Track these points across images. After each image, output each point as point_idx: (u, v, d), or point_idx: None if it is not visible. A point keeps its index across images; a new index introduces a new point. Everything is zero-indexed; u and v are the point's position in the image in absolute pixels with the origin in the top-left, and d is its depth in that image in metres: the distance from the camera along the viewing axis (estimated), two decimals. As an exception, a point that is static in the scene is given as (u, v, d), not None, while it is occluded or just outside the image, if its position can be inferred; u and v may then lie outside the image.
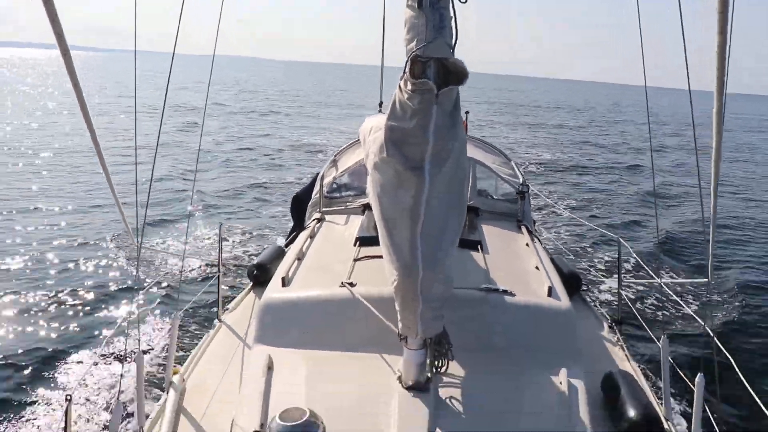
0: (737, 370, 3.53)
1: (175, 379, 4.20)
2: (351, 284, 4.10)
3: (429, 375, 3.42)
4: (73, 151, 24.21)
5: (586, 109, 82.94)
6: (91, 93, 50.36)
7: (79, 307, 9.53)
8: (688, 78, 3.10)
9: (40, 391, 7.14)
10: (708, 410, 3.60)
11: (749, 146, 43.39)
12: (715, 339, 3.65)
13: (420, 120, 2.95)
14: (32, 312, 9.34)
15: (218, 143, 28.48)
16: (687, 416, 3.63)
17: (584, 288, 6.11)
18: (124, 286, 10.21)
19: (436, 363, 3.43)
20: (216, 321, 5.36)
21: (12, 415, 6.56)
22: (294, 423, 3.04)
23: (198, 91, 55.41)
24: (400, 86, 3.03)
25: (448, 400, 3.36)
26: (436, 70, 2.96)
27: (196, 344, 4.95)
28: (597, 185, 23.32)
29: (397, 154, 3.04)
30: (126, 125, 30.90)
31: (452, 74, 2.97)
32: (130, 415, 5.55)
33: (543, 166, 26.85)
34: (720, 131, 2.80)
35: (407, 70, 2.99)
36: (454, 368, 3.58)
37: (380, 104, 8.81)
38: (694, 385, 3.60)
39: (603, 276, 9.66)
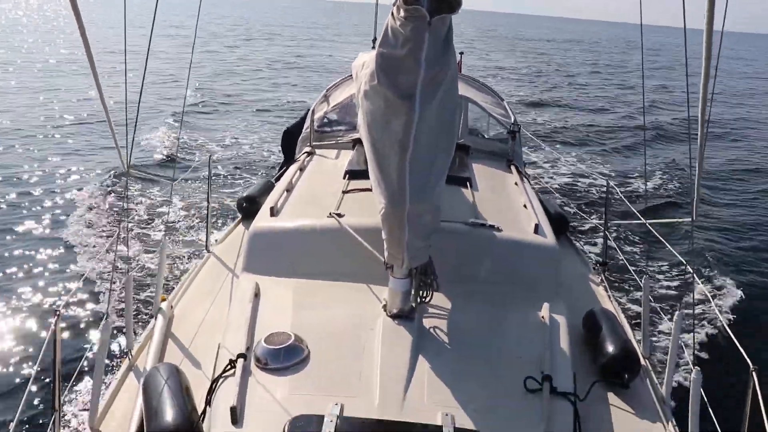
0: (714, 308, 3.62)
1: (163, 305, 4.26)
2: (339, 215, 4.11)
3: (413, 304, 3.46)
4: (61, 70, 23.79)
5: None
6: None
7: (67, 226, 9.57)
8: (684, 17, 3.03)
9: (29, 307, 7.26)
10: (684, 347, 3.70)
11: (749, 91, 42.47)
12: (695, 277, 3.72)
13: (412, 47, 2.90)
14: (20, 230, 9.41)
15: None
16: (666, 353, 3.75)
17: (571, 229, 6.16)
18: (112, 208, 10.19)
19: (420, 293, 3.48)
20: (204, 251, 5.39)
21: (-1, 329, 6.70)
22: (278, 346, 3.11)
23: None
24: (392, 13, 2.97)
25: (431, 329, 3.43)
26: None
27: (185, 274, 5.00)
28: (589, 120, 23.32)
29: (387, 81, 3.00)
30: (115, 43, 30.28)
31: (445, 2, 2.91)
32: (115, 336, 5.67)
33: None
34: (707, 74, 2.77)
35: None
36: (439, 299, 3.63)
37: (374, 41, 8.64)
38: (672, 323, 3.70)
39: (591, 218, 9.75)
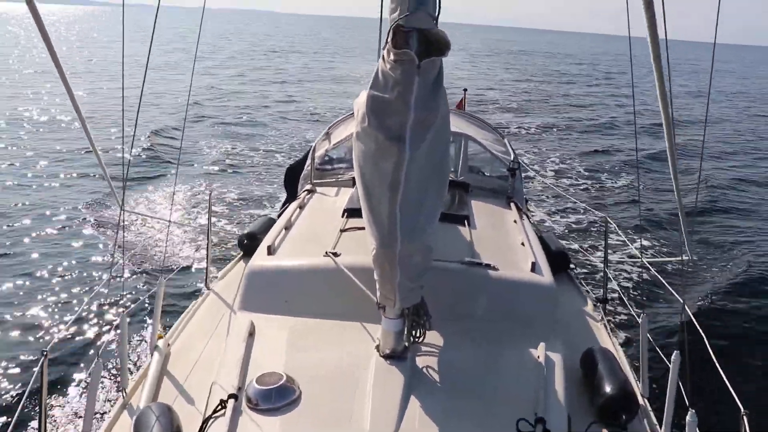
0: (709, 349, 3.60)
1: (160, 343, 4.25)
2: (335, 254, 4.13)
3: (406, 344, 3.46)
4: (54, 112, 23.98)
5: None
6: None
7: (61, 268, 9.54)
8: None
9: (18, 346, 7.19)
10: (682, 388, 3.66)
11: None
12: (691, 315, 3.71)
13: (401, 90, 2.95)
14: (13, 272, 9.34)
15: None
16: (664, 393, 3.71)
17: (572, 267, 6.16)
18: (106, 249, 10.20)
19: (413, 332, 3.47)
20: (204, 288, 5.39)
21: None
22: (270, 387, 3.10)
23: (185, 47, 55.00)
24: (383, 56, 3.03)
25: (424, 369, 3.41)
26: (418, 40, 2.96)
27: (182, 311, 4.99)
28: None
29: (377, 123, 3.05)
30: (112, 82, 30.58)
31: (434, 45, 2.97)
32: (110, 375, 5.63)
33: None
34: (667, 109, 2.81)
35: (389, 39, 2.99)
36: (432, 338, 3.62)
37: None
38: (670, 363, 3.67)
39: (590, 254, 9.77)
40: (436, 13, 3.03)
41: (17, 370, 6.77)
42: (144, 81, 3.60)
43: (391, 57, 2.93)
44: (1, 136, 19.44)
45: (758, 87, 62.29)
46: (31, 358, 6.92)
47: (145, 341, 6.63)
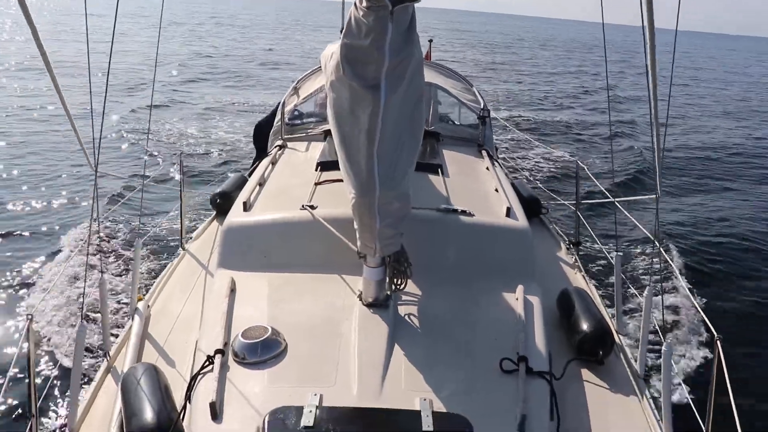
0: (682, 282, 3.71)
1: (140, 305, 4.24)
2: (312, 207, 4.12)
3: (388, 292, 3.50)
4: (24, 68, 23.27)
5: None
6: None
7: (36, 232, 9.42)
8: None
9: (1, 312, 7.14)
10: (655, 322, 3.78)
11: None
12: (662, 251, 3.80)
13: (375, 37, 2.91)
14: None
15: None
16: (638, 329, 3.83)
17: (544, 212, 6.24)
18: (82, 212, 10.07)
19: (395, 280, 3.51)
20: (179, 249, 5.36)
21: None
22: (256, 340, 3.12)
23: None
24: (355, 3, 2.98)
25: (406, 317, 3.46)
26: None
27: (160, 272, 4.98)
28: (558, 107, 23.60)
29: (352, 72, 3.01)
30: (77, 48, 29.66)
31: None
32: (92, 338, 5.63)
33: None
34: (654, 58, 2.84)
35: None
36: (413, 286, 3.66)
37: (341, 31, 8.59)
38: (643, 298, 3.78)
39: (563, 199, 9.90)
40: None
41: (4, 333, 6.74)
42: (113, 36, 3.50)
43: (364, 4, 2.88)
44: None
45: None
46: (15, 322, 6.88)
47: (125, 304, 6.61)
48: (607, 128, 19.00)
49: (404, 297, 3.60)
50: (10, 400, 5.34)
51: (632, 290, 4.99)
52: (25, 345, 3.02)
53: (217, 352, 3.08)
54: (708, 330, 3.06)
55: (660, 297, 3.68)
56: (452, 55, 42.52)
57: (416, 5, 2.99)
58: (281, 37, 55.96)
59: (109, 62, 3.44)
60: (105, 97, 3.51)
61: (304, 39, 52.52)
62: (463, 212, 4.20)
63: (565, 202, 7.57)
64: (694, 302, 3.61)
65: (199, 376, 3.00)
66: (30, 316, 3.08)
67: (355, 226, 3.36)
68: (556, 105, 26.25)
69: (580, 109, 24.97)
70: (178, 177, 7.70)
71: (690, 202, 12.70)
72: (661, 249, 3.76)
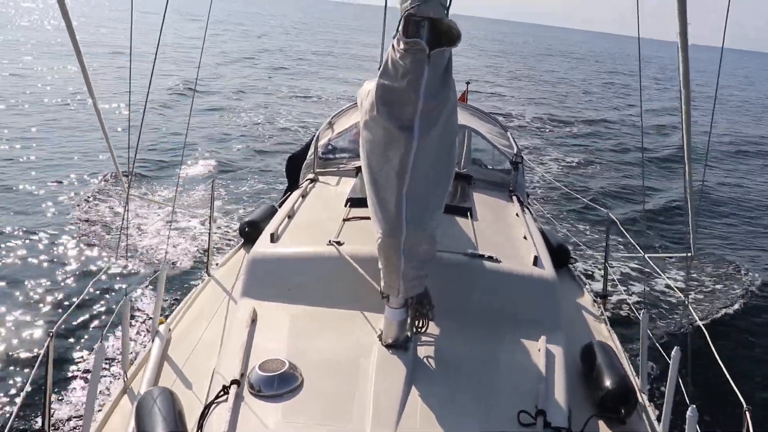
0: (711, 345, 3.60)
1: (161, 328, 4.26)
2: (338, 243, 4.13)
3: (409, 334, 3.46)
4: (62, 93, 23.83)
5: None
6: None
7: (64, 251, 9.55)
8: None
9: (24, 327, 7.24)
10: (681, 384, 3.68)
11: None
12: (692, 311, 3.71)
13: (411, 79, 2.95)
14: (17, 253, 9.36)
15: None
16: (663, 389, 3.73)
17: (573, 261, 6.17)
18: (110, 233, 10.18)
19: (416, 322, 3.47)
20: (205, 275, 5.41)
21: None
22: (273, 373, 3.11)
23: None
24: (393, 45, 3.03)
25: (426, 359, 3.42)
26: (429, 30, 2.95)
27: (183, 297, 5.01)
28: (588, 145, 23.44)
29: (386, 113, 3.04)
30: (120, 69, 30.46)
31: (445, 35, 2.96)
32: (112, 359, 5.66)
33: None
34: (688, 100, 2.81)
35: (400, 28, 2.98)
36: (435, 329, 3.63)
37: (380, 68, 8.72)
38: (670, 359, 3.68)
39: (591, 250, 9.80)
40: (448, 3, 3.02)
41: (24, 348, 6.83)
42: (153, 70, 3.59)
43: (402, 46, 2.92)
44: (8, 112, 19.26)
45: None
46: (36, 338, 6.97)
47: (147, 326, 6.65)
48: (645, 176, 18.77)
49: (425, 339, 3.56)
50: (26, 415, 5.37)
51: (659, 348, 4.86)
52: (44, 361, 3.05)
53: (233, 382, 3.07)
54: (738, 399, 2.96)
55: (688, 357, 3.58)
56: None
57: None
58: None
59: (149, 87, 3.53)
60: (140, 131, 3.57)
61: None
62: (490, 258, 4.17)
63: (595, 253, 7.47)
64: (722, 367, 3.49)
65: (213, 405, 2.99)
66: (51, 333, 3.12)
67: (380, 266, 3.35)
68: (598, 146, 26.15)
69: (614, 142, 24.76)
70: (208, 202, 7.80)
71: (726, 259, 12.35)
72: (691, 308, 3.67)
